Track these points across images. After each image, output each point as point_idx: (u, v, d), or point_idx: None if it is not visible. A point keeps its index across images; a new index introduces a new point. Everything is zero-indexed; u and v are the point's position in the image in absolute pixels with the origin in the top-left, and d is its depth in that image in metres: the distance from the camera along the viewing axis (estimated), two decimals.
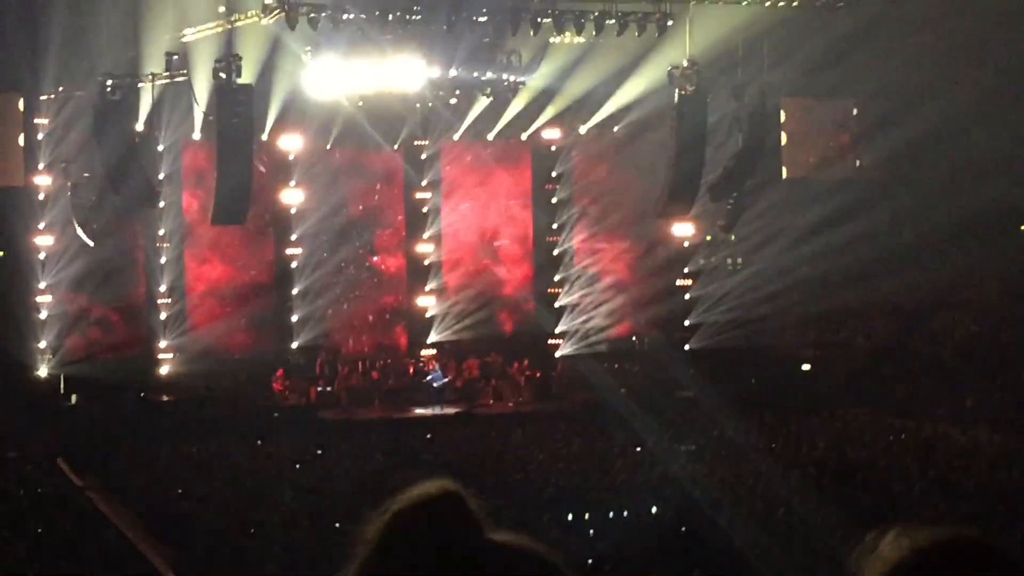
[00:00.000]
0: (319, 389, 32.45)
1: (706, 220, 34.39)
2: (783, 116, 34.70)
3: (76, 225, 29.49)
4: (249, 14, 26.04)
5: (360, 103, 31.98)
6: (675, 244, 36.62)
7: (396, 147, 35.46)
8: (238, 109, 25.83)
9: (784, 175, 35.30)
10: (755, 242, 34.29)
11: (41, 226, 31.94)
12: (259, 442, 27.17)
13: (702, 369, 33.57)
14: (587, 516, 21.19)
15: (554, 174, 36.86)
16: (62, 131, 31.32)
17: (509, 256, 36.92)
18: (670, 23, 28.38)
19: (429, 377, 32.87)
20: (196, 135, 31.89)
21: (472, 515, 1.72)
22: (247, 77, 26.21)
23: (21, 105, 29.71)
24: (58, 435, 27.96)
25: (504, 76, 32.12)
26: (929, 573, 1.64)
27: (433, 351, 34.79)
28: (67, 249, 31.72)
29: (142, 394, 31.18)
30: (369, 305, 35.82)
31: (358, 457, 24.81)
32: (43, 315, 32.05)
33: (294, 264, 34.65)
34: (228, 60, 25.78)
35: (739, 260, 36.02)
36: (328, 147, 34.51)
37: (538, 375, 33.90)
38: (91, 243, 29.95)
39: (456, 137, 35.56)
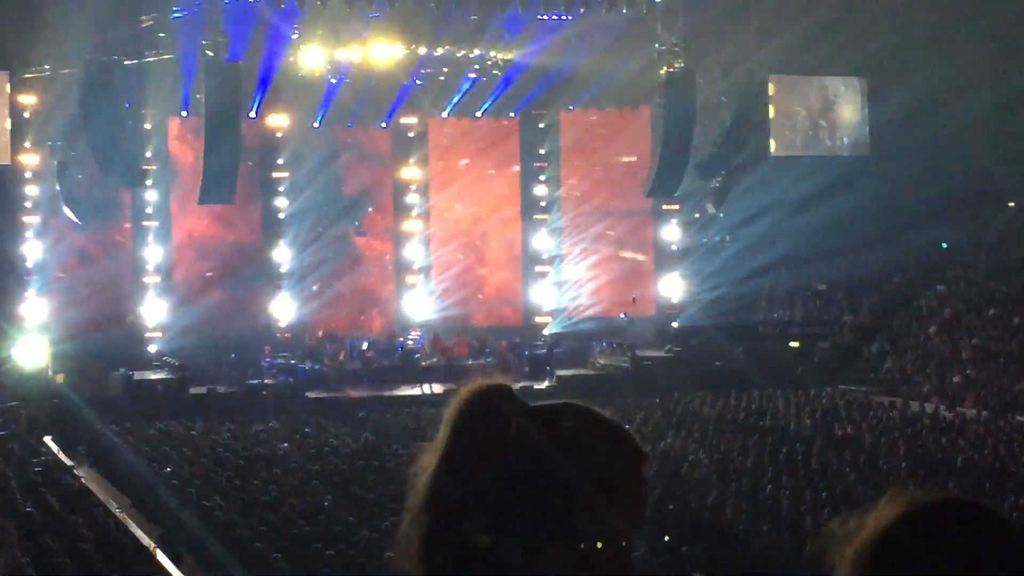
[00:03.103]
0: (306, 367, 32.43)
1: (695, 197, 34.35)
2: (771, 93, 34.69)
3: (63, 204, 29.37)
4: None
5: (347, 81, 31.92)
6: (663, 222, 36.56)
7: (384, 125, 35.40)
8: (225, 87, 25.77)
9: (772, 152, 35.30)
10: (743, 219, 34.28)
11: (28, 205, 31.81)
12: (246, 421, 27.17)
13: (690, 346, 33.60)
14: None
15: (542, 152, 36.76)
16: (49, 110, 31.19)
17: (497, 235, 36.85)
18: (658, 0, 28.37)
19: (416, 356, 32.86)
20: (183, 113, 31.77)
21: (520, 400, 1.88)
22: (234, 56, 26.16)
23: (8, 83, 29.53)
24: (45, 413, 27.91)
25: (492, 53, 32.08)
26: (927, 529, 1.69)
27: (420, 331, 34.76)
28: (54, 228, 31.61)
29: (130, 372, 31.12)
30: (356, 285, 35.78)
31: (346, 435, 24.79)
32: (30, 293, 31.93)
33: (282, 243, 34.57)
34: (215, 39, 25.73)
35: (727, 237, 36.01)
36: (316, 125, 34.41)
37: (526, 353, 33.90)
38: (78, 221, 29.83)
39: (444, 115, 35.47)
